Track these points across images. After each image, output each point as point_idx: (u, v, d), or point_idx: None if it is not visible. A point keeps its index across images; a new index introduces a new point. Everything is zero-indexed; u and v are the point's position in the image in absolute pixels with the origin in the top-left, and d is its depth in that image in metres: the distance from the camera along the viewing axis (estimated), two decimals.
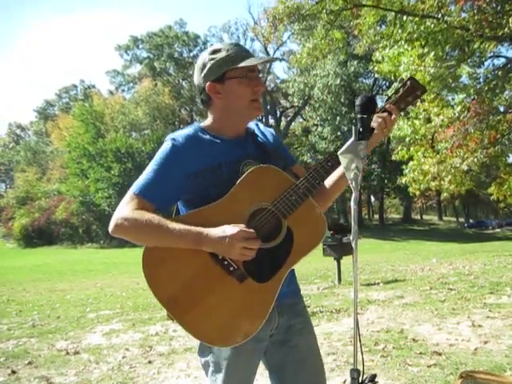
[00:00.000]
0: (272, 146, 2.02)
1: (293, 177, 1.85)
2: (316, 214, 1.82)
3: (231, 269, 1.73)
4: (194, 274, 1.75)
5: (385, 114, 1.83)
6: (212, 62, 1.84)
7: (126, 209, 1.76)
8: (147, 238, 1.77)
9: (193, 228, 1.70)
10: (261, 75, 1.95)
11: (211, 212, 1.77)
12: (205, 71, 1.85)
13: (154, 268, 1.77)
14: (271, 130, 2.13)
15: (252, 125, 2.05)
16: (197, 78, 1.91)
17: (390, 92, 14.75)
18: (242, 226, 1.70)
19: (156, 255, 1.77)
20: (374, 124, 1.77)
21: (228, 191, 1.78)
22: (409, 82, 1.86)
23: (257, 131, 2.05)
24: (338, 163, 1.75)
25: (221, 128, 1.91)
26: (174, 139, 1.85)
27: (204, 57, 1.88)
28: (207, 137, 1.89)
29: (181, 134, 1.88)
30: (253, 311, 1.74)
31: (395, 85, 13.65)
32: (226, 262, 1.73)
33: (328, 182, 1.96)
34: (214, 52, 1.85)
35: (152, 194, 1.79)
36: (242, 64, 1.81)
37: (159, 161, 1.82)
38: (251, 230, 1.70)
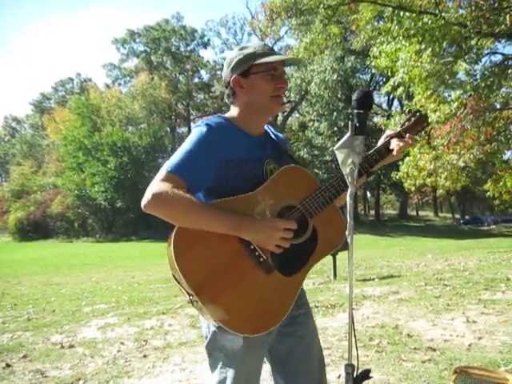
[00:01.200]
0: (284, 147, 2.13)
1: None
2: (339, 218, 1.97)
3: (261, 259, 1.78)
4: (224, 261, 1.76)
5: (406, 140, 2.06)
6: (239, 56, 1.92)
7: (161, 185, 1.72)
8: (183, 216, 1.73)
9: (232, 214, 1.74)
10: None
11: (243, 203, 1.81)
12: (232, 65, 1.93)
13: (185, 249, 1.74)
14: (281, 135, 2.24)
15: (265, 127, 2.14)
16: (224, 72, 1.99)
17: (385, 89, 14.78)
18: (281, 220, 1.80)
19: (187, 237, 1.74)
20: (393, 146, 2.04)
21: (253, 185, 1.85)
22: (418, 114, 2.15)
23: (270, 133, 2.14)
24: (361, 174, 1.99)
25: (246, 123, 1.97)
26: (208, 124, 1.87)
27: (233, 52, 1.98)
28: (235, 129, 1.94)
29: (213, 120, 1.91)
30: (278, 303, 1.80)
31: (392, 80, 13.62)
32: (257, 253, 1.78)
33: None
34: (243, 48, 1.96)
35: (186, 173, 1.77)
36: (265, 60, 1.89)
37: (194, 143, 1.83)
38: (290, 222, 1.79)
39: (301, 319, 2.02)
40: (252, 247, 1.77)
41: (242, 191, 1.82)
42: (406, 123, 2.13)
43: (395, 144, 2.04)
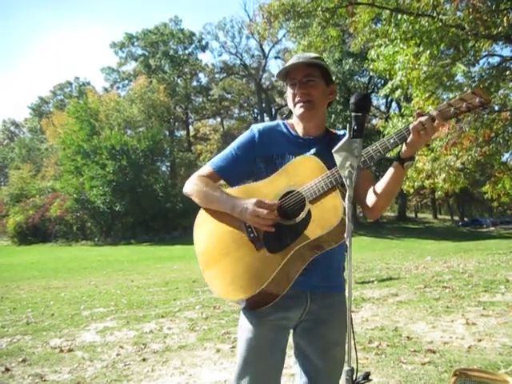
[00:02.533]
0: None
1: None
2: (335, 205, 1.90)
3: (252, 235, 1.97)
4: (226, 236, 2.03)
5: (424, 118, 1.81)
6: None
7: (195, 174, 2.20)
8: (200, 199, 2.12)
9: (229, 196, 2.04)
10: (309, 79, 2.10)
11: (253, 188, 2.08)
12: None
13: (201, 223, 2.12)
14: None
15: (341, 132, 2.23)
16: None
17: (383, 91, 14.81)
18: (262, 199, 1.95)
19: (206, 214, 2.12)
20: (410, 126, 1.83)
21: None
22: (470, 90, 1.79)
23: (338, 136, 2.17)
24: (370, 159, 1.89)
25: (296, 126, 2.20)
26: (255, 126, 2.21)
27: None
28: (284, 130, 2.20)
29: (262, 124, 2.24)
30: (258, 275, 1.91)
31: (390, 83, 13.66)
32: (249, 229, 1.98)
33: (377, 184, 2.05)
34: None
35: (219, 166, 2.18)
36: (278, 72, 2.15)
37: (236, 142, 2.21)
38: (268, 203, 1.93)
39: (324, 319, 2.09)
40: (247, 224, 1.98)
41: None
42: (446, 101, 1.82)
43: (412, 124, 1.83)
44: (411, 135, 1.83)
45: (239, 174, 2.19)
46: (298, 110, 2.10)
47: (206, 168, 2.20)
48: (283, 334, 2.09)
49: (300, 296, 2.04)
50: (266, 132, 2.18)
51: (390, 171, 1.97)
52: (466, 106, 1.77)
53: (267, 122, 2.25)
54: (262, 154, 2.14)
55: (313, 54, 2.14)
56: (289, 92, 2.14)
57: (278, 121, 2.25)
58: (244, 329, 2.07)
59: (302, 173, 1.98)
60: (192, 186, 2.15)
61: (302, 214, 1.92)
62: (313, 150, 2.09)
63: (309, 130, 2.16)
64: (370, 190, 2.05)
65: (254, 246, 1.96)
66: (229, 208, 2.00)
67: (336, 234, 1.88)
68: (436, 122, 1.81)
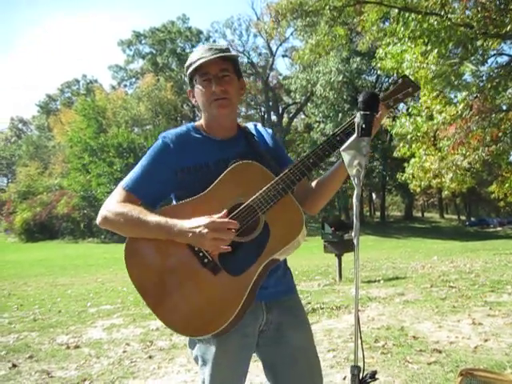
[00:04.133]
0: (267, 146, 2.05)
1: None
2: (293, 211, 1.79)
3: (205, 261, 1.75)
4: (171, 265, 1.79)
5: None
6: (185, 68, 1.97)
7: (111, 201, 1.88)
8: (128, 229, 1.82)
9: (169, 220, 1.75)
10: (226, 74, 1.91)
11: (190, 206, 1.81)
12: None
13: (134, 257, 1.83)
14: (270, 131, 2.15)
15: (250, 125, 2.13)
16: None
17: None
18: (215, 217, 1.71)
19: (137, 245, 1.83)
20: (355, 120, 1.72)
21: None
22: (400, 80, 1.86)
23: (254, 131, 2.08)
24: (320, 160, 1.80)
25: (208, 128, 1.99)
26: (164, 137, 1.94)
27: None
28: (198, 135, 1.97)
29: (172, 132, 1.97)
30: (224, 303, 1.73)
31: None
32: (201, 254, 1.75)
33: (320, 181, 2.00)
34: (188, 61, 1.95)
35: (137, 188, 1.88)
36: (191, 68, 1.90)
37: (148, 157, 1.92)
38: (225, 221, 1.71)
39: (287, 326, 1.95)
40: (196, 249, 1.76)
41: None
42: (382, 93, 1.84)
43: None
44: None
45: (160, 192, 1.94)
46: (214, 109, 1.89)
47: (120, 192, 1.90)
48: (247, 353, 1.92)
49: (256, 308, 1.86)
50: (179, 140, 1.92)
51: (335, 170, 1.92)
52: (401, 95, 1.84)
53: (176, 129, 1.99)
54: (183, 166, 1.88)
55: (223, 46, 1.95)
56: (201, 89, 1.91)
57: (186, 125, 2.02)
58: (206, 362, 1.87)
59: (246, 182, 1.81)
60: (113, 216, 1.82)
61: (259, 229, 1.76)
62: (235, 151, 1.92)
63: (225, 130, 1.98)
64: (309, 189, 2.00)
65: (211, 272, 1.74)
66: (174, 234, 1.73)
67: (299, 242, 1.81)
68: (380, 113, 1.78)
